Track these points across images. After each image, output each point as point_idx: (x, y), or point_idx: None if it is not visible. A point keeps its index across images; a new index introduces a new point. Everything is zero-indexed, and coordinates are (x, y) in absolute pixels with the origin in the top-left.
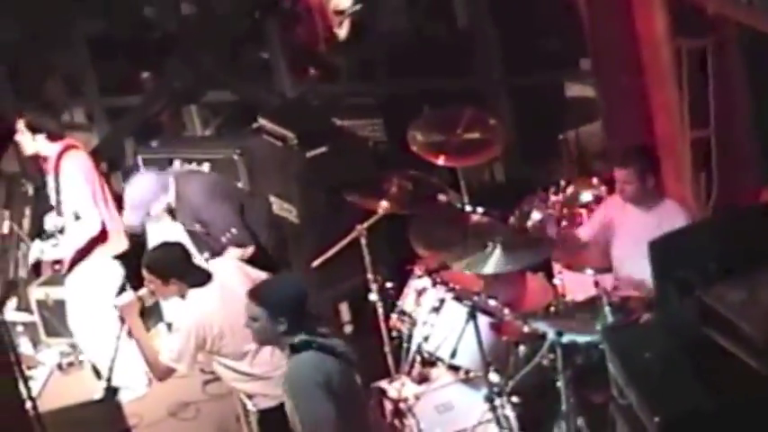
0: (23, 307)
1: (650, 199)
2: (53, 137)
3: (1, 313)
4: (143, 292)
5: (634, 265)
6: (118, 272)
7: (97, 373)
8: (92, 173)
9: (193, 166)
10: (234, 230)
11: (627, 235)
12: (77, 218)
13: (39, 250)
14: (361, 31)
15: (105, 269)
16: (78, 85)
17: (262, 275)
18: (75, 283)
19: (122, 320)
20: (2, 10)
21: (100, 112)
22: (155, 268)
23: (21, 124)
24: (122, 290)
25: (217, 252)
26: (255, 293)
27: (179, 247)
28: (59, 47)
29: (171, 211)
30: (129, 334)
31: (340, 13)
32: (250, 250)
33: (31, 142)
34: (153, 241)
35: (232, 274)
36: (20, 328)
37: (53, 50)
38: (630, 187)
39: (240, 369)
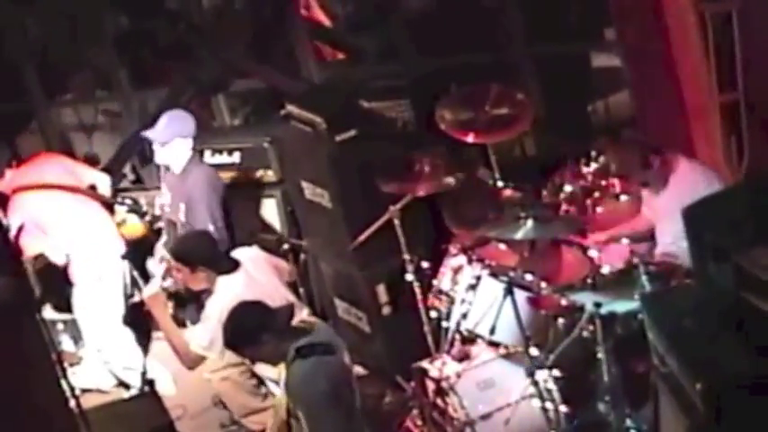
0: (62, 305)
1: (662, 174)
2: None
3: (41, 312)
4: (168, 282)
5: (671, 239)
6: (118, 268)
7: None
8: None
9: (224, 156)
10: (219, 225)
11: (657, 209)
12: None
13: None
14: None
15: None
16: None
17: (283, 264)
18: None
19: (149, 313)
20: (34, 8)
21: (130, 105)
22: (182, 256)
23: None
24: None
25: None
26: (231, 340)
27: (206, 234)
28: (89, 42)
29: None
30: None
31: None
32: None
33: None
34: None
35: (257, 262)
36: (60, 326)
37: (84, 46)
38: (649, 188)
39: None
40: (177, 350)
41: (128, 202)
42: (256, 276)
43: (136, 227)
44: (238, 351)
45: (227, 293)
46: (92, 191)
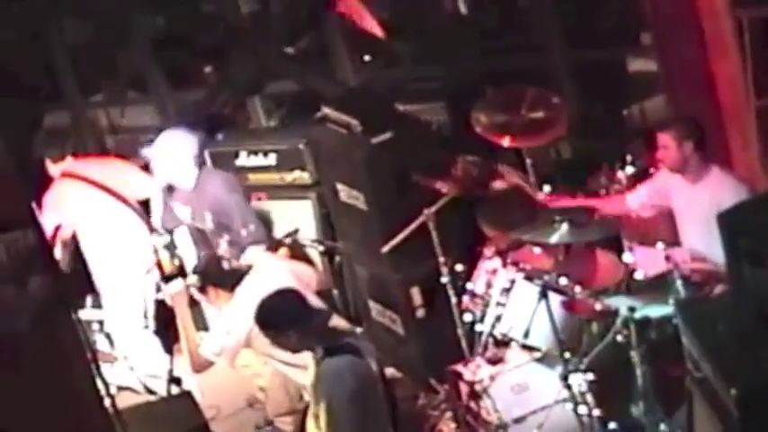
0: (99, 304)
1: (694, 169)
2: None
3: (77, 312)
4: (192, 280)
5: (696, 239)
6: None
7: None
8: None
9: (260, 158)
10: (252, 227)
11: (682, 210)
12: None
13: None
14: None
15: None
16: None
17: (310, 272)
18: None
19: (172, 311)
20: (73, 13)
21: (166, 107)
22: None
23: None
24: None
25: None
26: (264, 323)
27: (207, 257)
28: (126, 45)
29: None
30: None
31: None
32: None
33: None
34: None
35: (280, 273)
36: (96, 326)
37: (121, 49)
38: (667, 151)
39: (292, 361)
40: (189, 350)
41: (166, 236)
42: (278, 285)
43: (164, 265)
44: (264, 331)
45: (243, 305)
46: (137, 206)
